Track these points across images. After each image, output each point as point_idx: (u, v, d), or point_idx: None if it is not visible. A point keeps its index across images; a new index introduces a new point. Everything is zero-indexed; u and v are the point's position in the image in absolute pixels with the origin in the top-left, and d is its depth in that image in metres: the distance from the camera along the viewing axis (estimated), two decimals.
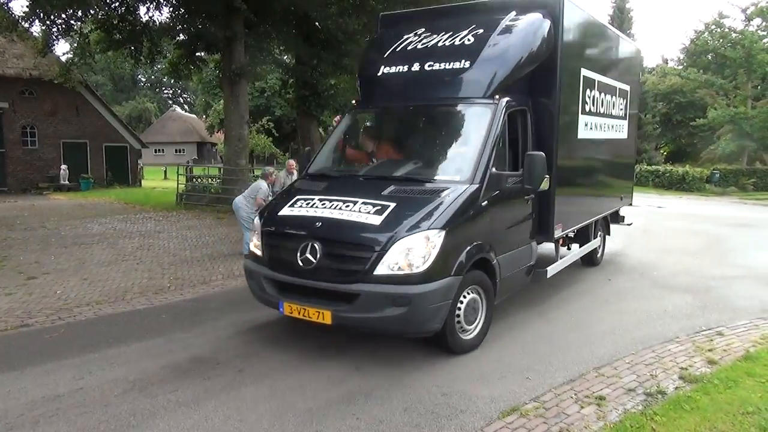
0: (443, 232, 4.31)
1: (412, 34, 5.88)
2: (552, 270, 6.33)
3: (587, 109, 6.78)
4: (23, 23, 13.69)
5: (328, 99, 19.85)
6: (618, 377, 4.35)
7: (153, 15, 16.81)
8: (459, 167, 4.95)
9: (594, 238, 7.95)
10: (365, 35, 15.62)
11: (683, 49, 42.22)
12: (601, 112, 7.31)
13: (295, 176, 9.07)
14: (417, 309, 4.21)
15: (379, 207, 4.51)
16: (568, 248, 7.73)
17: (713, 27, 35.24)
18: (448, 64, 5.39)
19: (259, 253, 4.99)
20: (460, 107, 5.48)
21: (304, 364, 4.56)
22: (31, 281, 7.27)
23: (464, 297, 4.69)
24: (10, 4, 13.64)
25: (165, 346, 4.98)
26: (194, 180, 19.57)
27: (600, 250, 8.56)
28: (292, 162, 10.06)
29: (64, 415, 3.71)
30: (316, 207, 4.78)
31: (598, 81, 7.05)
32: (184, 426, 3.57)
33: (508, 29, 5.50)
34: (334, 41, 15.99)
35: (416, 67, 5.54)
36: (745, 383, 4.21)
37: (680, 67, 41.22)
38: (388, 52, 5.88)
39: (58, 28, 14.12)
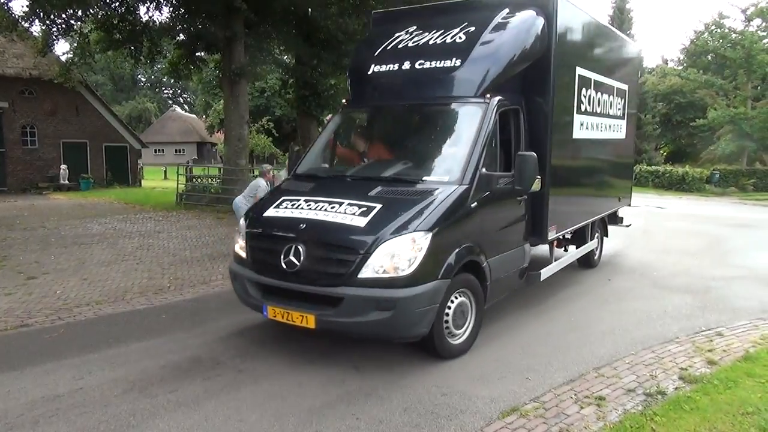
0: (430, 234, 4.22)
1: (403, 32, 5.80)
2: (546, 273, 6.23)
3: (583, 109, 6.69)
4: (23, 23, 13.69)
5: (328, 99, 19.83)
6: (618, 377, 4.35)
7: (153, 15, 16.86)
8: (448, 168, 4.86)
9: (591, 240, 7.85)
10: (365, 35, 15.62)
11: (683, 50, 42.24)
12: (598, 111, 7.21)
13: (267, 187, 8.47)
14: (402, 313, 4.12)
15: (365, 208, 4.41)
16: (565, 250, 7.63)
17: (713, 27, 35.25)
18: (438, 62, 5.31)
19: (243, 255, 4.90)
20: (450, 106, 5.39)
21: (304, 364, 4.56)
22: (30, 281, 7.27)
23: (453, 300, 4.59)
24: (10, 4, 13.64)
25: (165, 346, 4.98)
26: (194, 180, 19.57)
27: (597, 252, 8.45)
28: (268, 167, 9.59)
29: (63, 415, 3.71)
30: (301, 208, 4.69)
31: (595, 80, 6.96)
32: (184, 426, 3.57)
33: (500, 27, 5.40)
34: (334, 41, 15.99)
35: (407, 65, 5.46)
36: (745, 384, 4.21)
37: (680, 67, 41.23)
38: (378, 51, 5.80)
39: (58, 28, 14.13)
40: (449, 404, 3.88)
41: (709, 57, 37.33)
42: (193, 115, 62.53)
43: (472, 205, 4.67)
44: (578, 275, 7.86)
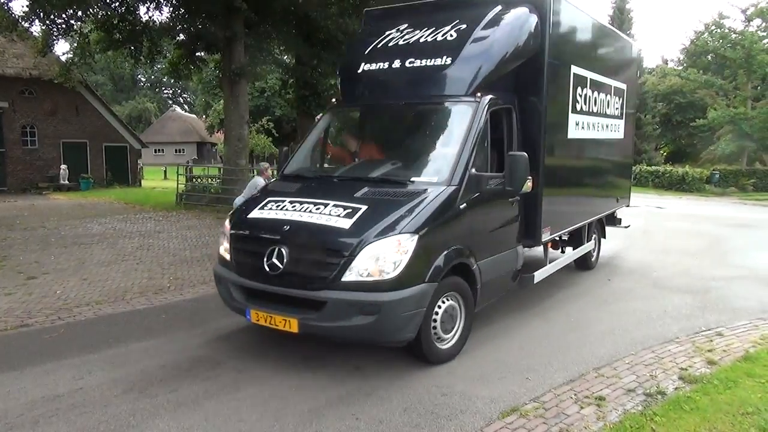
0: (416, 237, 4.10)
1: (394, 30, 5.70)
2: (539, 275, 6.09)
3: (578, 108, 6.58)
4: (23, 23, 13.69)
5: (328, 99, 19.84)
6: (618, 378, 4.35)
7: (153, 15, 16.86)
8: (436, 168, 4.76)
9: (588, 242, 7.73)
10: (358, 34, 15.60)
11: (683, 50, 42.28)
12: (594, 111, 7.10)
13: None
14: (387, 317, 4.01)
15: (350, 210, 4.30)
16: (562, 251, 7.46)
17: (713, 27, 35.27)
18: (429, 60, 5.20)
19: (227, 257, 4.79)
20: (440, 105, 5.28)
21: (304, 364, 4.56)
22: (30, 281, 7.26)
23: (441, 304, 4.47)
24: (10, 4, 13.64)
25: (165, 346, 4.98)
26: (194, 180, 19.57)
27: (595, 254, 8.32)
28: (265, 165, 9.75)
29: (63, 415, 3.70)
30: (286, 209, 4.57)
31: (591, 79, 6.86)
32: (184, 426, 3.57)
33: (492, 24, 5.30)
34: (334, 41, 15.99)
35: (397, 63, 5.36)
36: (745, 384, 4.21)
37: (680, 67, 41.26)
38: (369, 49, 5.71)
39: (57, 28, 14.13)
40: (449, 404, 3.88)
41: (709, 57, 37.37)
42: (193, 115, 62.55)
43: (461, 207, 4.56)
44: (578, 276, 7.86)
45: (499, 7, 5.45)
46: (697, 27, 45.01)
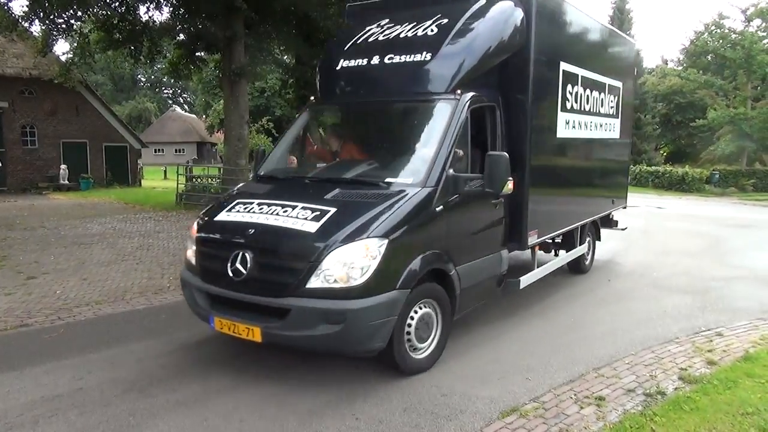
0: (385, 241, 3.88)
1: (375, 26, 5.49)
2: (526, 280, 5.81)
3: (569, 107, 6.36)
4: (23, 23, 13.68)
5: None
6: (617, 378, 4.36)
7: (153, 15, 16.83)
8: (412, 169, 4.53)
9: (580, 244, 7.45)
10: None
11: (683, 50, 42.33)
12: (587, 109, 6.88)
13: None
14: (354, 326, 3.80)
15: (318, 212, 4.09)
16: (556, 254, 7.24)
17: (713, 28, 35.34)
18: (408, 56, 5.00)
19: (193, 261, 4.59)
20: (418, 103, 5.06)
21: (304, 364, 4.55)
22: (30, 281, 7.26)
23: (415, 312, 4.25)
24: (10, 4, 13.63)
25: (165, 346, 4.98)
26: (194, 180, 19.57)
27: (589, 257, 8.07)
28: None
29: (63, 415, 3.70)
30: (253, 212, 4.36)
31: (582, 76, 6.64)
32: (184, 426, 3.57)
33: (474, 18, 5.10)
34: None
35: (376, 60, 5.15)
36: (745, 384, 4.21)
37: (680, 67, 41.31)
38: (348, 45, 5.51)
39: (57, 28, 14.12)
40: (449, 404, 3.88)
41: (709, 57, 37.42)
42: (193, 115, 62.57)
43: (437, 209, 4.33)
44: (577, 276, 7.85)
45: (483, 1, 5.26)
46: (697, 27, 45.03)
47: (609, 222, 8.69)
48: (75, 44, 16.64)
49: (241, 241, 4.16)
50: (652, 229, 12.87)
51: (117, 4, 14.61)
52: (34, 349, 4.90)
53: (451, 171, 4.48)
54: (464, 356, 4.76)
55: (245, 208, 4.47)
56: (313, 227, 3.98)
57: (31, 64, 20.51)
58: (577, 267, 7.81)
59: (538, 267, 6.30)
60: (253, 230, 4.17)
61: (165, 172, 35.77)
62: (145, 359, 4.67)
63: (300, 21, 15.31)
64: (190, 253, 4.66)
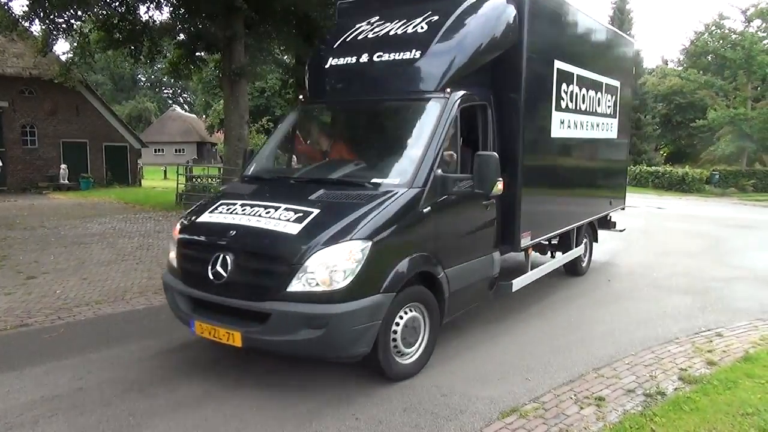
0: (369, 243, 3.77)
1: (365, 23, 5.36)
2: (519, 283, 5.69)
3: (564, 106, 6.23)
4: (23, 22, 13.69)
5: None
6: (617, 378, 4.36)
7: (153, 15, 16.86)
8: (399, 169, 4.40)
9: (576, 246, 7.30)
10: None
11: (683, 50, 42.39)
12: (582, 109, 6.73)
13: None
14: (336, 331, 3.70)
15: (301, 214, 3.98)
16: (552, 256, 7.13)
17: (713, 28, 35.39)
18: (397, 54, 4.87)
19: (174, 264, 4.51)
20: (406, 102, 4.92)
21: (304, 364, 4.54)
22: (30, 281, 7.26)
23: (402, 316, 4.14)
24: (10, 4, 13.63)
25: (165, 346, 4.98)
26: (194, 180, 19.57)
27: (586, 259, 7.93)
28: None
29: (63, 415, 3.70)
30: (235, 213, 4.25)
31: (578, 75, 6.49)
32: (184, 426, 3.57)
33: (465, 15, 4.97)
34: None
35: (365, 58, 5.02)
36: (745, 384, 4.21)
37: (680, 68, 41.36)
38: (338, 43, 5.38)
39: (57, 28, 14.12)
40: (449, 405, 3.88)
41: (709, 58, 37.44)
42: (193, 115, 62.58)
43: (425, 210, 4.22)
44: (576, 277, 7.84)
45: None
46: (697, 27, 45.15)
47: (607, 223, 8.58)
48: (75, 44, 16.65)
49: (221, 243, 4.05)
50: (652, 230, 12.87)
51: (117, 4, 14.62)
52: (34, 349, 4.90)
53: (439, 171, 4.37)
54: (464, 356, 4.76)
55: (228, 210, 4.36)
56: (295, 229, 3.88)
57: (31, 64, 20.52)
58: (573, 269, 7.71)
59: (532, 269, 6.17)
60: (234, 232, 4.07)
61: (165, 171, 35.79)
62: (145, 359, 4.67)
63: (300, 21, 15.32)
64: (172, 255, 4.55)
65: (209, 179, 19.93)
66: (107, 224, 12.56)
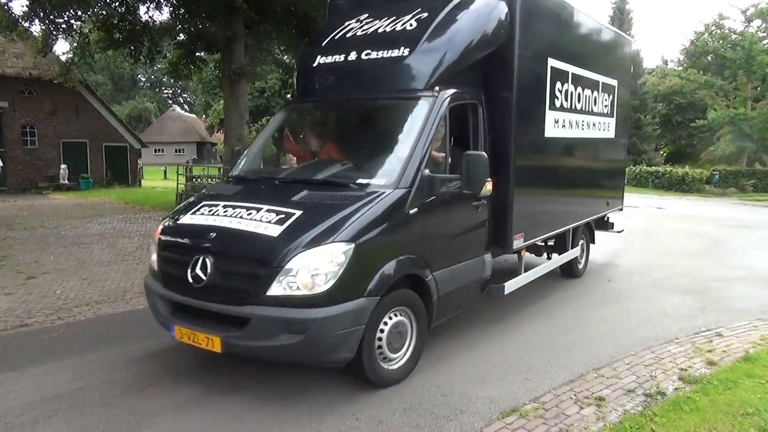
0: (352, 246, 3.67)
1: (354, 20, 5.26)
2: (511, 286, 5.55)
3: (558, 105, 6.12)
4: (23, 23, 13.70)
5: None
6: (617, 378, 4.36)
7: (153, 15, 16.86)
8: (385, 170, 4.29)
9: (572, 248, 7.17)
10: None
11: (683, 50, 42.41)
12: (578, 108, 6.61)
13: None
14: (317, 336, 3.60)
15: (283, 215, 3.88)
16: (549, 258, 7.03)
17: (713, 28, 35.39)
18: (386, 52, 4.75)
19: (155, 266, 4.39)
20: (393, 101, 4.80)
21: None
22: (30, 281, 7.26)
23: (387, 320, 4.04)
24: (10, 4, 13.65)
25: (165, 346, 4.96)
26: (194, 180, 19.56)
27: (582, 261, 7.80)
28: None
29: (63, 415, 3.70)
30: (217, 214, 4.15)
31: (573, 73, 6.39)
32: (184, 426, 3.57)
33: (456, 11, 4.87)
34: None
35: (353, 56, 4.91)
36: (745, 384, 4.21)
37: (680, 68, 41.35)
38: (326, 41, 5.27)
39: (57, 28, 14.13)
40: (449, 405, 3.88)
41: (709, 58, 37.46)
42: (193, 115, 62.59)
43: (411, 212, 4.11)
44: (574, 278, 7.83)
45: None
46: (697, 27, 45.18)
47: (604, 224, 8.48)
48: (75, 44, 16.66)
49: (201, 246, 3.95)
50: (652, 230, 12.87)
51: (117, 4, 14.63)
52: (34, 349, 4.90)
53: (426, 171, 4.27)
54: (464, 356, 4.76)
55: (210, 211, 4.26)
56: (275, 231, 3.77)
57: (31, 64, 20.52)
58: (569, 271, 7.59)
59: (526, 271, 6.03)
60: (214, 234, 3.96)
61: (165, 172, 35.80)
62: (145, 359, 4.67)
63: (300, 21, 15.32)
64: (154, 258, 4.44)
65: (209, 179, 19.93)
66: (107, 224, 12.56)
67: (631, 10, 40.19)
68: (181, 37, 16.47)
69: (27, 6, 12.91)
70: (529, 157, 5.71)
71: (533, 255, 7.02)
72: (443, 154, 4.63)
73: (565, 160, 6.74)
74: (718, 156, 33.86)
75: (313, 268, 3.60)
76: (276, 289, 3.61)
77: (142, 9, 15.62)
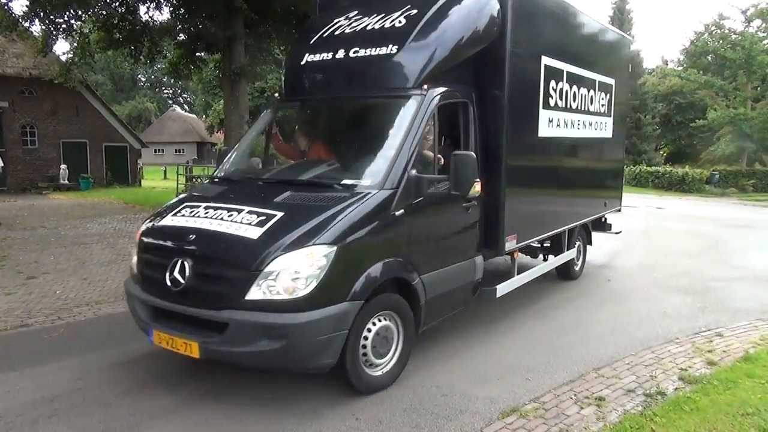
0: (334, 248, 3.56)
1: (343, 18, 5.14)
2: (503, 289, 5.46)
3: (552, 104, 6.00)
4: (23, 23, 13.70)
5: None
6: (618, 378, 4.36)
7: (153, 15, 16.86)
8: (370, 170, 4.17)
9: (568, 249, 7.06)
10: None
11: (683, 50, 42.40)
12: (573, 107, 6.51)
13: None
14: (298, 342, 3.50)
15: (264, 217, 3.77)
16: (545, 259, 6.93)
17: (713, 28, 35.39)
18: (374, 49, 4.65)
19: (135, 269, 4.33)
20: (381, 100, 4.71)
21: None
22: (30, 281, 7.26)
23: (372, 325, 3.93)
24: (10, 4, 13.65)
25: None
26: (194, 180, 19.59)
27: (579, 262, 7.67)
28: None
29: (63, 415, 3.70)
30: (197, 216, 4.05)
31: (568, 72, 6.26)
32: (184, 426, 3.57)
33: (446, 8, 4.77)
34: None
35: (341, 54, 4.81)
36: (745, 384, 4.21)
37: (680, 68, 41.33)
38: (314, 38, 5.17)
39: (57, 28, 14.14)
40: (449, 405, 3.88)
41: (709, 58, 37.46)
42: (193, 115, 62.59)
43: (397, 213, 4.00)
44: (571, 280, 7.81)
45: None
46: (697, 28, 45.17)
47: (602, 225, 8.35)
48: (75, 44, 16.66)
49: (180, 248, 3.87)
50: (652, 230, 12.87)
51: (117, 4, 14.63)
52: (34, 349, 4.90)
53: (413, 172, 4.15)
54: (464, 356, 4.76)
55: (191, 212, 4.16)
56: (255, 233, 3.67)
57: (31, 64, 20.51)
58: (566, 273, 7.46)
59: (519, 273, 5.95)
60: (194, 236, 3.87)
61: (165, 172, 35.79)
62: (145, 359, 4.67)
63: (300, 21, 15.29)
64: (134, 260, 4.36)
65: (208, 179, 19.91)
66: (107, 224, 12.56)
67: (631, 10, 40.24)
68: (181, 37, 16.47)
69: (27, 6, 12.92)
70: (522, 157, 5.61)
71: (529, 257, 6.99)
72: (433, 154, 4.54)
73: (559, 160, 6.61)
74: (718, 156, 33.87)
75: (294, 272, 3.51)
76: (255, 293, 3.52)
77: (142, 9, 15.63)
